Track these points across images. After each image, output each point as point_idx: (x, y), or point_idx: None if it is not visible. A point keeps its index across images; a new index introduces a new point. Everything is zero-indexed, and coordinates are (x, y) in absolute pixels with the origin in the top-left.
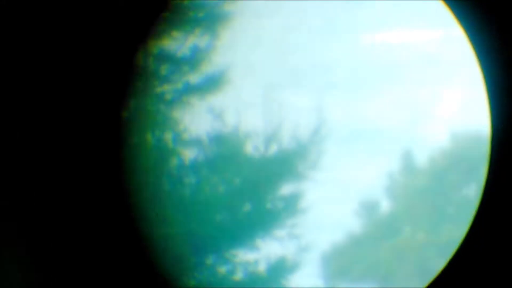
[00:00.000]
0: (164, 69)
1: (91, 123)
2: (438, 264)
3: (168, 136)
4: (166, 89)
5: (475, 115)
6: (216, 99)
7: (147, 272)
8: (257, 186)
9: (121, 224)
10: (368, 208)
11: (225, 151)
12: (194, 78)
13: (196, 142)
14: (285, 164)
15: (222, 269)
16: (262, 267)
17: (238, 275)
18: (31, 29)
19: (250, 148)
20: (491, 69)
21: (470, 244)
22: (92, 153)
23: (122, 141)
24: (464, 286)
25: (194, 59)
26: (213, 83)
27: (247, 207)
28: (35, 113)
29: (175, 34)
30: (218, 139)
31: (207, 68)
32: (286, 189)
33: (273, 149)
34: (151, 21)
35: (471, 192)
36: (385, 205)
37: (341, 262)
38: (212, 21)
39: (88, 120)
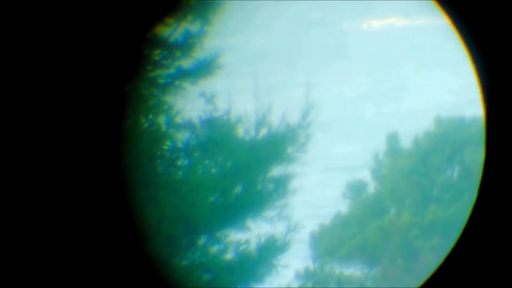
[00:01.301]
0: (156, 54)
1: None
2: (422, 244)
3: (161, 120)
4: (159, 73)
5: (459, 100)
6: (208, 84)
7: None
8: (248, 168)
9: (115, 207)
10: (355, 189)
11: (217, 134)
12: (186, 63)
13: (189, 126)
14: (275, 147)
15: (214, 249)
16: (252, 247)
17: (229, 255)
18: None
19: (241, 132)
20: (482, 54)
21: (467, 242)
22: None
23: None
24: (460, 285)
25: (186, 45)
26: (205, 68)
27: (238, 189)
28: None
29: (168, 20)
30: (210, 123)
31: (199, 53)
32: (276, 171)
33: (264, 132)
34: (143, 10)
35: (454, 174)
36: (372, 187)
37: (329, 242)
38: (203, 7)
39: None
